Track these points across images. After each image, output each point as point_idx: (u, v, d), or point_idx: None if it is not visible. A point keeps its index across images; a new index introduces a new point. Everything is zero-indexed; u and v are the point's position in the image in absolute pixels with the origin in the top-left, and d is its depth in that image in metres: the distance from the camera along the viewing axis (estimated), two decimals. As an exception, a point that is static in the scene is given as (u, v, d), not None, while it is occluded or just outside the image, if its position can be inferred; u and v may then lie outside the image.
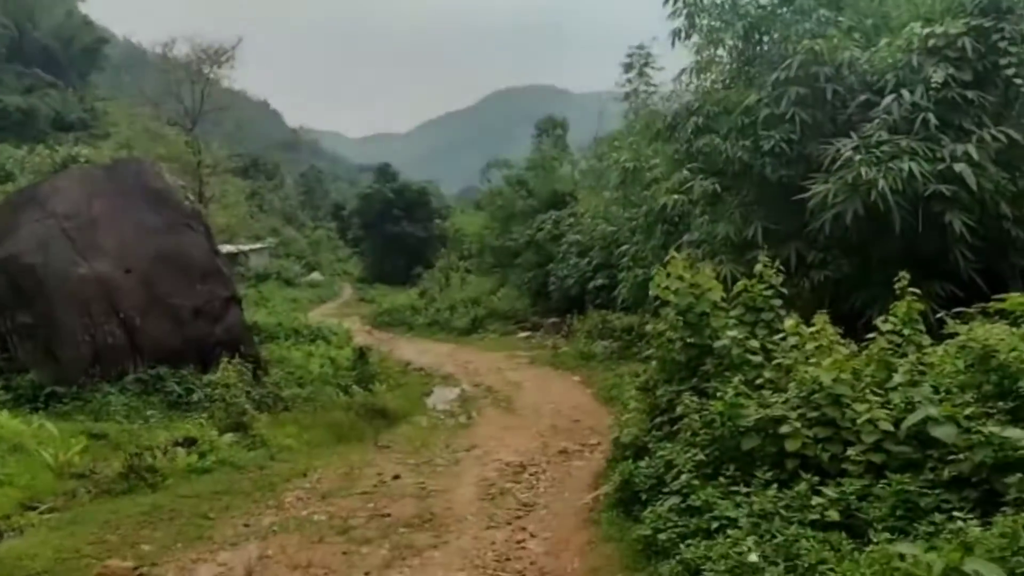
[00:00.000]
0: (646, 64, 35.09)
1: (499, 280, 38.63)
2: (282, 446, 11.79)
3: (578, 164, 35.77)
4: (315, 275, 67.20)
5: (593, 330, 22.98)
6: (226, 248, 61.63)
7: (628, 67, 35.68)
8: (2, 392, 13.98)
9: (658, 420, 8.70)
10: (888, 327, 7.41)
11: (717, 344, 8.35)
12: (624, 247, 18.51)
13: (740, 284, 9.06)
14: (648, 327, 10.69)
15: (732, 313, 8.81)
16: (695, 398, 7.82)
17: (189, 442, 10.60)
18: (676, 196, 13.16)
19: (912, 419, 6.17)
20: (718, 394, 7.30)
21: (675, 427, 8.13)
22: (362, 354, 19.87)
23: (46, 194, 15.63)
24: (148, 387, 14.53)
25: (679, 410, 7.88)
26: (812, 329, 7.45)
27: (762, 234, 12.13)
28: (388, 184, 67.91)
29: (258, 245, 68.31)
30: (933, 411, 6.10)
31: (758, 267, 8.99)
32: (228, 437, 11.10)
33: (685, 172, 13.31)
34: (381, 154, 77.17)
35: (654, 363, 9.38)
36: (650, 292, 9.46)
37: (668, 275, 8.88)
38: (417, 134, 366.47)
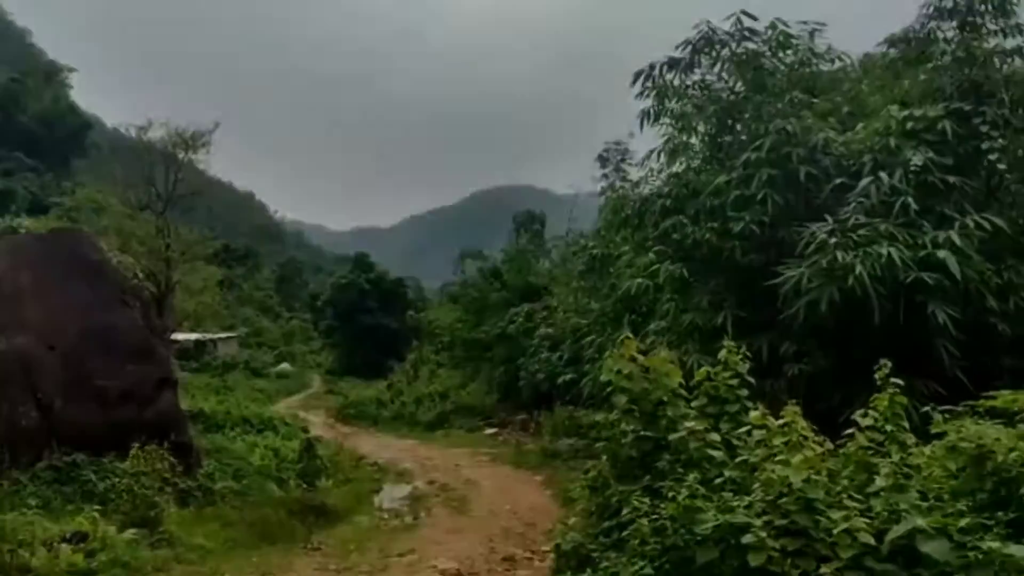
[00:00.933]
0: (622, 159, 35.06)
1: (469, 374, 37.50)
2: (193, 546, 10.49)
3: (551, 257, 35.11)
4: (284, 366, 65.72)
5: (559, 427, 21.84)
6: (192, 336, 60.79)
7: (604, 161, 35.62)
8: None
9: (606, 525, 7.57)
10: (868, 422, 6.41)
11: (673, 437, 7.31)
12: (590, 338, 17.56)
13: (701, 371, 8.08)
14: (598, 417, 9.62)
15: (693, 404, 7.80)
16: (647, 499, 6.71)
17: (79, 537, 9.31)
18: (641, 280, 12.28)
19: (897, 531, 5.14)
20: (671, 495, 6.20)
21: (624, 533, 7.00)
22: (309, 446, 18.57)
23: (-30, 263, 14.60)
24: (62, 476, 13.18)
25: (626, 513, 6.77)
26: (781, 422, 6.42)
27: (732, 323, 11.26)
28: (364, 274, 67.20)
29: (227, 334, 67.05)
30: (921, 522, 5.09)
31: (722, 353, 8.01)
32: (129, 533, 9.82)
33: (651, 255, 12.48)
34: (366, 248, 76.64)
35: (604, 458, 8.31)
36: (601, 378, 8.46)
37: (620, 358, 7.89)
38: (402, 228, 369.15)
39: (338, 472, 19.16)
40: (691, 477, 6.23)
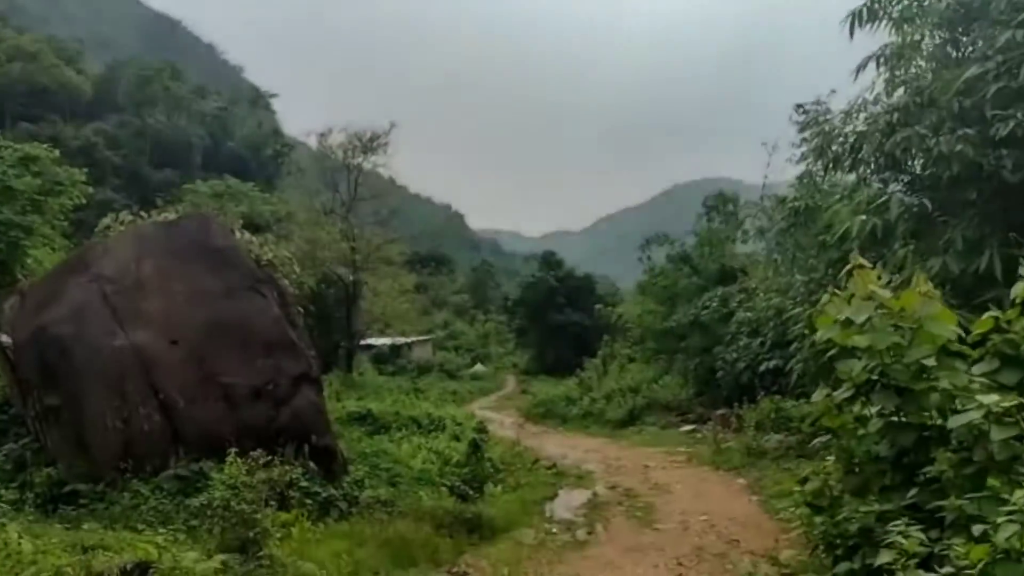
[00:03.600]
0: (824, 119, 31.00)
1: (662, 367, 34.62)
2: (300, 574, 8.50)
3: (746, 229, 31.47)
4: (478, 367, 65.20)
5: (764, 421, 18.64)
6: (387, 340, 61.30)
7: (804, 125, 31.68)
8: (14, 491, 11.58)
9: (844, 567, 4.73)
10: None
11: (956, 422, 4.37)
12: (797, 310, 14.38)
13: (985, 321, 5.06)
14: (815, 397, 6.68)
15: (978, 369, 4.81)
16: (916, 530, 3.85)
17: (141, 570, 7.50)
18: (863, 218, 9.16)
19: None
20: (971, 529, 3.34)
21: (876, 584, 4.15)
22: (476, 448, 16.50)
23: (96, 255, 13.51)
24: (188, 486, 11.71)
25: (884, 557, 3.93)
26: None
27: (1002, 267, 7.99)
28: (552, 272, 65.52)
29: (422, 337, 67.32)
30: None
31: (1020, 287, 4.95)
32: (216, 560, 7.96)
33: (875, 186, 9.34)
34: (558, 251, 75.19)
35: (831, 459, 5.44)
36: (817, 335, 5.61)
37: (847, 301, 5.02)
38: (593, 230, 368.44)
39: (510, 476, 16.98)
40: (1018, 495, 3.32)
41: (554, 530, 12.49)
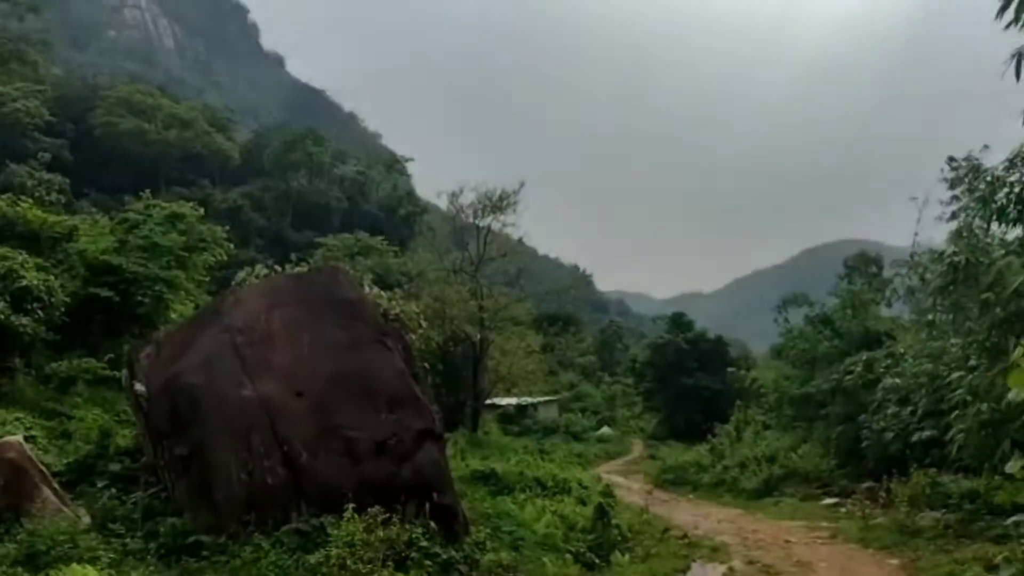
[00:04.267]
0: (975, 176, 29.11)
1: (800, 436, 32.79)
2: (416, 639, 8.04)
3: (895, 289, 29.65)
4: (605, 430, 64.06)
5: (918, 497, 17.09)
6: (513, 400, 61.04)
7: (953, 182, 29.84)
8: (140, 540, 11.64)
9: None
10: None
11: None
12: (956, 375, 13.12)
13: None
14: (1010, 467, 5.72)
15: None
16: None
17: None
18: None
19: None
20: None
21: None
22: (603, 513, 15.77)
23: (228, 306, 13.75)
24: (308, 541, 11.49)
25: None
26: None
27: None
28: (682, 334, 64.04)
29: (548, 398, 66.77)
30: None
31: None
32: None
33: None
34: (688, 314, 73.73)
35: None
36: (1011, 396, 4.80)
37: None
38: (724, 293, 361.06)
39: (638, 545, 16.12)
40: None
41: (688, 607, 11.61)
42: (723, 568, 14.54)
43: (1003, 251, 11.92)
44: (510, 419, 59.43)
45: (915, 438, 20.61)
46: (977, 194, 11.86)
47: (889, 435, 23.07)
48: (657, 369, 64.77)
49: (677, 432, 59.08)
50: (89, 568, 8.98)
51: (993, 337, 11.83)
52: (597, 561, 14.16)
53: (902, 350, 25.84)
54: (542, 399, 65.21)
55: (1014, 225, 11.52)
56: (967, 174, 30.51)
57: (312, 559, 10.24)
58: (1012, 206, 11.00)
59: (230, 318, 13.22)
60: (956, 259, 12.36)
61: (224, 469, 11.86)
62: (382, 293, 18.42)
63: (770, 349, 53.63)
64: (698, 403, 58.88)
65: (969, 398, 12.11)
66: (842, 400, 27.99)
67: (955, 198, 30.83)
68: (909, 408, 22.59)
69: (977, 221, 12.63)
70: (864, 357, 27.54)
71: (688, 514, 23.80)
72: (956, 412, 12.55)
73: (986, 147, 28.74)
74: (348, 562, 8.30)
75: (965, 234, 12.71)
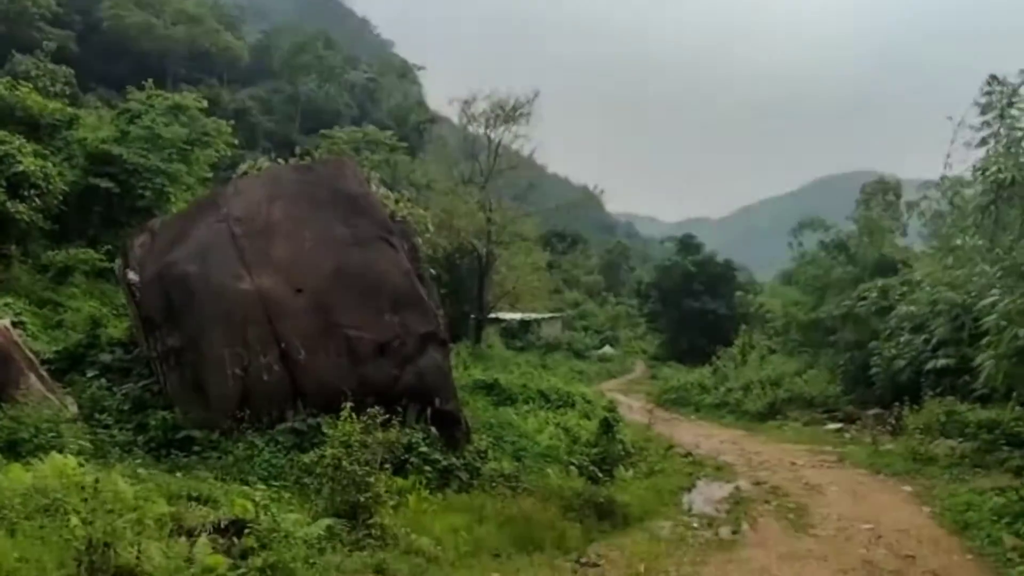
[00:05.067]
0: (1011, 103, 27.90)
1: (806, 361, 32.40)
2: (413, 548, 7.55)
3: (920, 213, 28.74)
4: (607, 349, 63.89)
5: (933, 425, 16.64)
6: (517, 315, 60.75)
7: (986, 107, 28.60)
8: (128, 432, 11.20)
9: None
10: None
11: None
12: (990, 299, 12.45)
13: None
14: None
15: None
16: None
17: (236, 528, 6.70)
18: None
19: None
20: None
21: None
22: (608, 427, 15.35)
23: (228, 195, 13.05)
24: (303, 440, 11.07)
25: None
26: None
27: None
28: (689, 256, 63.23)
29: (552, 315, 66.45)
30: None
31: None
32: (322, 524, 7.10)
33: None
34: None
35: None
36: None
37: None
38: (732, 220, 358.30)
39: (642, 461, 15.76)
40: None
41: (694, 524, 11.22)
42: (729, 487, 14.18)
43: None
44: (513, 334, 59.13)
45: (929, 366, 20.12)
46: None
47: (900, 363, 22.60)
48: (663, 291, 64.22)
49: (679, 354, 58.84)
50: (71, 458, 8.49)
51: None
52: (600, 475, 13.77)
53: (919, 277, 25.15)
54: (546, 315, 64.85)
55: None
56: (1002, 99, 29.26)
57: (306, 459, 9.77)
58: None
59: (229, 207, 12.54)
60: (1002, 176, 11.57)
61: (218, 363, 11.36)
62: (389, 194, 17.72)
63: (779, 274, 52.96)
64: (702, 326, 58.46)
65: (1004, 323, 11.48)
66: (853, 326, 27.48)
67: (986, 123, 29.66)
68: (923, 336, 22.08)
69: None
70: (880, 283, 26.91)
71: (690, 433, 23.54)
72: (987, 338, 11.92)
73: (995, 78, 27.59)
74: (344, 463, 7.79)
75: (1013, 150, 11.86)
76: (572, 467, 13.62)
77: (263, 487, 9.20)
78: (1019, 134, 12.05)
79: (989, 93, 28.79)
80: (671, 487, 13.84)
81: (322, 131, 71.38)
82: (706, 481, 14.81)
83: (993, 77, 22.57)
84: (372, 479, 7.80)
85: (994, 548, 9.61)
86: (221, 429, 11.17)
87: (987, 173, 12.33)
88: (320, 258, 12.12)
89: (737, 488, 14.06)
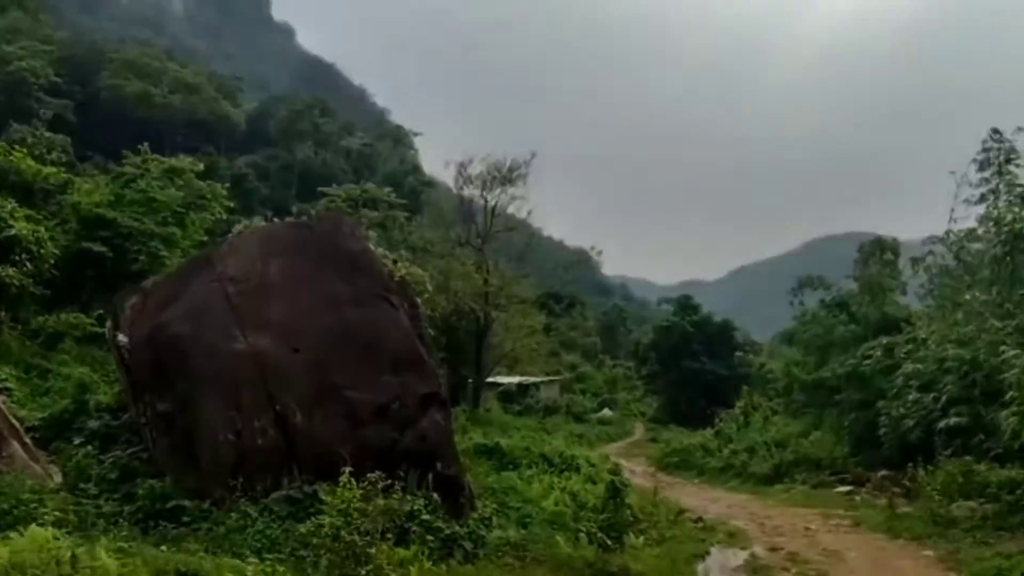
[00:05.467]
0: (1008, 160, 27.92)
1: (811, 422, 31.78)
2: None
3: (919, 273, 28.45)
4: (606, 411, 63.16)
5: (951, 486, 16.07)
6: (516, 379, 60.12)
7: (983, 164, 28.59)
8: (115, 503, 10.65)
9: None
10: None
11: None
12: (1011, 353, 12.05)
13: None
14: None
15: None
16: None
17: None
18: None
19: None
20: None
21: None
22: (615, 492, 14.72)
23: (222, 254, 12.72)
24: (300, 509, 10.49)
25: None
26: None
27: None
28: (688, 317, 62.97)
29: (550, 378, 65.85)
30: None
31: None
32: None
33: None
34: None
35: None
36: None
37: None
38: (728, 282, 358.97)
39: (651, 527, 15.14)
40: None
41: (713, 595, 10.63)
42: (744, 554, 13.58)
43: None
44: (511, 398, 58.46)
45: (941, 425, 19.60)
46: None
47: (909, 422, 22.08)
48: (661, 352, 63.77)
49: (679, 416, 58.18)
50: (52, 530, 7.97)
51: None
52: (610, 543, 13.14)
53: (924, 335, 24.78)
54: (544, 379, 64.25)
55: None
56: (999, 156, 29.30)
57: (303, 529, 9.20)
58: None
59: (223, 266, 12.19)
60: (1018, 225, 11.28)
61: (210, 428, 10.87)
62: (387, 254, 17.41)
63: (780, 334, 52.47)
64: (701, 388, 57.96)
65: (1025, 380, 11.08)
66: (858, 386, 27.01)
67: (985, 180, 29.64)
68: (932, 394, 21.61)
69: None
70: (884, 341, 26.50)
71: (695, 498, 22.93)
72: (1010, 394, 11.49)
73: (1021, 129, 27.65)
74: (343, 533, 7.29)
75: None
76: (582, 534, 13.02)
77: (256, 560, 8.71)
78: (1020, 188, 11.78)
79: (987, 150, 28.88)
80: (684, 555, 13.23)
81: (320, 188, 71.57)
82: (719, 548, 14.20)
83: (995, 131, 22.62)
84: (373, 550, 7.29)
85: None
86: (213, 498, 10.62)
87: (1001, 224, 12.03)
88: (317, 317, 11.71)
89: (753, 555, 13.46)
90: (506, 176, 42.89)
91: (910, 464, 19.54)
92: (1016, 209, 11.31)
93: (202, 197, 26.67)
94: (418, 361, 12.21)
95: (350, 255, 12.56)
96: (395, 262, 17.47)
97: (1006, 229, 11.39)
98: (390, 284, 12.77)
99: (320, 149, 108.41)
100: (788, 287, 36.71)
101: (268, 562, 8.94)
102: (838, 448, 27.69)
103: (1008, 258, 11.69)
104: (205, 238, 27.89)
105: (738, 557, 13.33)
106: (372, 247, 14.12)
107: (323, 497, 10.25)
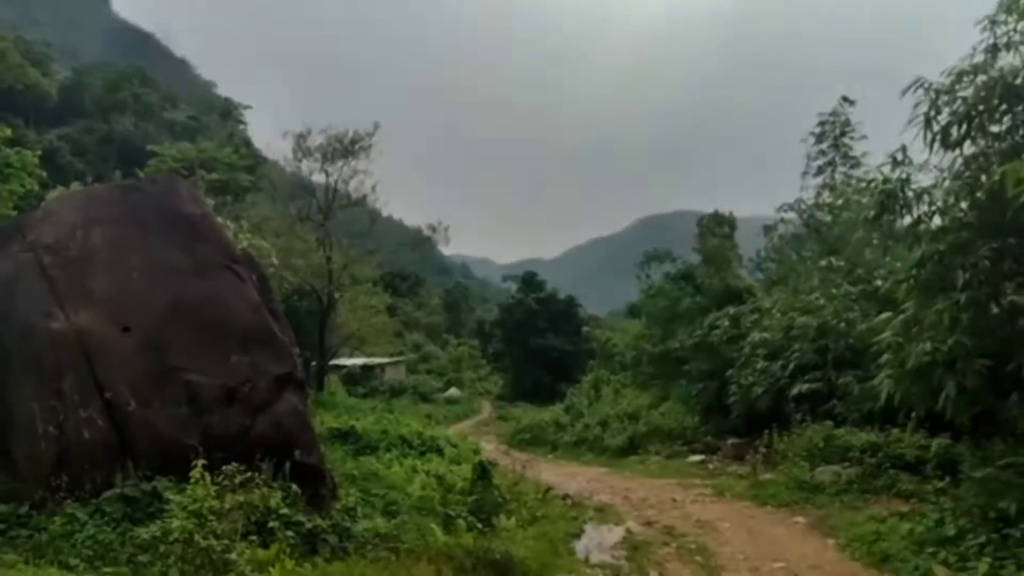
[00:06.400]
0: (843, 133, 29.03)
1: (660, 394, 32.20)
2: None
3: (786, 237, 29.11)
4: (453, 391, 62.60)
5: (812, 451, 16.25)
6: (360, 360, 58.52)
7: (819, 136, 29.62)
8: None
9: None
10: None
11: None
12: (883, 316, 12.04)
13: None
14: None
15: None
16: None
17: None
18: None
19: None
20: None
21: None
22: (484, 472, 13.99)
23: (34, 221, 10.91)
24: (137, 511, 9.06)
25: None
26: None
27: None
28: (532, 294, 63.18)
29: (394, 359, 64.66)
30: None
31: None
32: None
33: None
34: (533, 278, 72.60)
35: None
36: None
37: None
38: (565, 260, 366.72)
39: (521, 507, 14.44)
40: None
41: (599, 575, 10.01)
42: (619, 530, 13.09)
43: (944, 176, 10.83)
44: (355, 380, 56.92)
45: (794, 391, 19.92)
46: (919, 110, 10.61)
47: (758, 390, 22.41)
48: (507, 329, 63.79)
49: (526, 393, 58.37)
50: None
51: (923, 275, 10.78)
52: (479, 525, 12.37)
53: (768, 305, 25.39)
54: (388, 360, 62.99)
55: (953, 149, 10.41)
56: (834, 129, 30.19)
57: (145, 533, 7.84)
58: (957, 126, 9.87)
59: (36, 234, 10.43)
60: (889, 187, 11.25)
61: (26, 421, 9.21)
62: (228, 223, 15.83)
63: (623, 308, 53.47)
64: (547, 364, 58.32)
65: (900, 341, 11.05)
66: (706, 356, 27.37)
67: (821, 152, 30.54)
68: (780, 362, 21.99)
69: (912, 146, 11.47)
70: (731, 311, 26.97)
71: (553, 473, 22.48)
72: (885, 356, 11.46)
73: (848, 100, 28.75)
74: (197, 536, 6.11)
75: (900, 159, 11.57)
76: (458, 520, 12.15)
77: (88, 570, 7.34)
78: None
79: (823, 123, 29.70)
80: (559, 534, 12.58)
81: (150, 147, 66.86)
82: (593, 525, 13.66)
83: (847, 98, 23.21)
84: (233, 555, 6.15)
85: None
86: (32, 500, 9.03)
87: (871, 185, 12.00)
88: (151, 290, 10.18)
89: (628, 531, 13.01)
90: (347, 148, 41.09)
91: (765, 431, 19.80)
92: (887, 169, 11.28)
93: (8, 164, 23.66)
94: (270, 338, 10.90)
95: (189, 220, 11.03)
96: (235, 234, 15.97)
97: (879, 189, 11.35)
98: (235, 253, 11.33)
99: (141, 122, 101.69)
100: (623, 264, 37.29)
101: (102, 572, 7.59)
102: (688, 418, 28.10)
103: (882, 217, 11.66)
104: (14, 212, 24.91)
105: (614, 533, 12.83)
106: (213, 212, 12.58)
107: (165, 495, 8.91)
